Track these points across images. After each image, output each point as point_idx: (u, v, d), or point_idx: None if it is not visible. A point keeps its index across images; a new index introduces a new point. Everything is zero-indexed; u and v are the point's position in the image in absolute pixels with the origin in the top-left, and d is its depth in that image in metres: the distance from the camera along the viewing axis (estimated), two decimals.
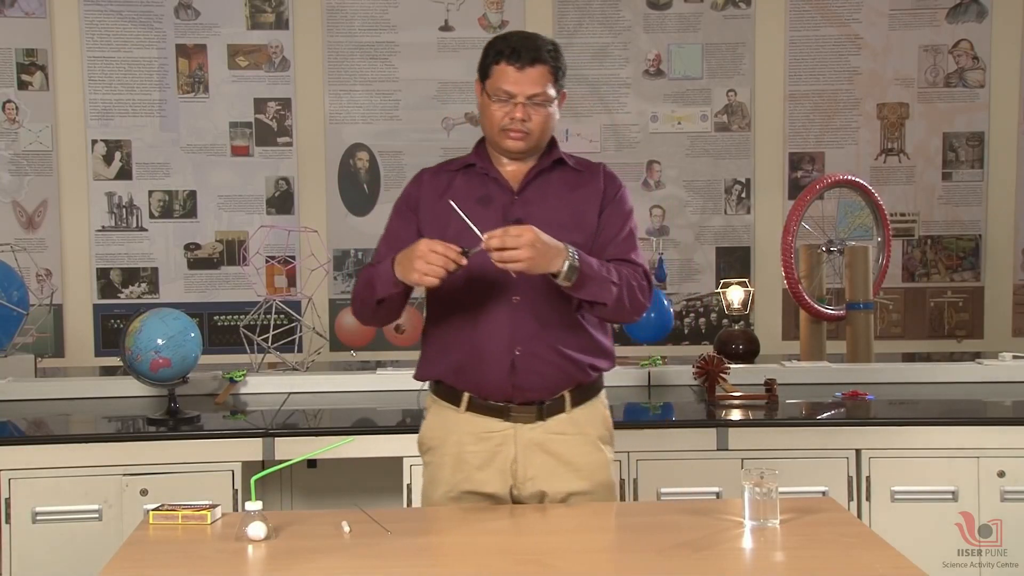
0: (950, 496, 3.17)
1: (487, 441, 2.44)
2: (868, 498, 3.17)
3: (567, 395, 2.45)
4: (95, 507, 3.10)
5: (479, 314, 2.39)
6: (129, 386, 3.63)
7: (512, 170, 2.47)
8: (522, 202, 2.43)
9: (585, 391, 2.48)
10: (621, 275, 2.37)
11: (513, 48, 2.37)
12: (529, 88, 2.37)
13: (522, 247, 2.19)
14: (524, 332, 2.39)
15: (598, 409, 2.52)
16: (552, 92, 2.41)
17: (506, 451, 2.43)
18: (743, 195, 5.26)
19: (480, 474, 2.44)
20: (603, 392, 2.55)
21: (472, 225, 2.25)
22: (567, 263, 2.25)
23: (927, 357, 4.82)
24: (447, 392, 2.48)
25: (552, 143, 2.50)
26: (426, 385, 2.58)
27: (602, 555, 2.13)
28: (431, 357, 2.50)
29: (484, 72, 2.42)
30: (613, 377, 3.82)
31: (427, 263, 2.21)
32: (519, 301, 2.39)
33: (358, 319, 2.51)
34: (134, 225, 5.12)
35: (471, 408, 2.44)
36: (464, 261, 2.23)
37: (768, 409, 3.41)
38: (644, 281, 2.43)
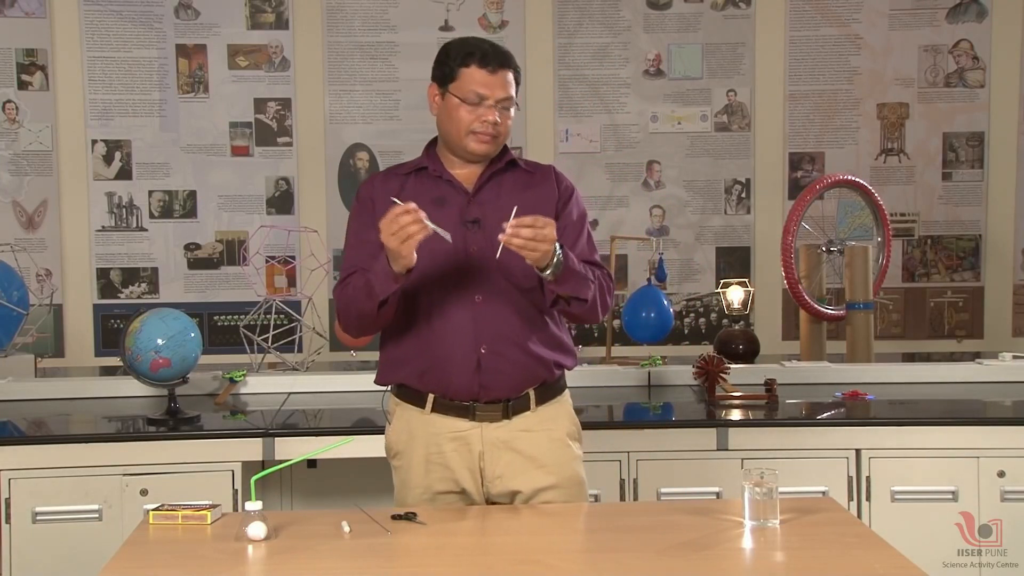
0: (950, 496, 3.17)
1: (452, 441, 2.45)
2: (868, 498, 3.17)
3: (532, 393, 2.47)
4: (95, 507, 3.10)
5: (442, 316, 2.40)
6: (129, 386, 3.64)
7: (464, 173, 2.49)
8: (478, 203, 2.45)
9: (549, 389, 2.50)
10: (594, 274, 2.43)
11: (484, 52, 2.41)
12: (500, 91, 2.41)
13: (546, 241, 2.23)
14: (488, 331, 2.41)
15: (564, 407, 2.54)
16: (515, 97, 2.45)
17: (473, 450, 2.45)
18: (743, 195, 5.26)
19: (449, 474, 2.46)
20: (567, 392, 2.57)
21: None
22: (555, 257, 2.28)
23: (927, 357, 4.82)
24: (411, 395, 2.49)
25: (503, 147, 2.53)
26: (387, 388, 2.57)
27: (602, 555, 2.13)
28: (394, 361, 2.50)
29: (448, 75, 2.43)
30: (613, 377, 3.85)
31: (392, 235, 2.21)
32: (481, 300, 2.41)
33: (352, 333, 2.52)
34: (134, 225, 5.12)
35: (436, 409, 2.45)
36: (423, 218, 2.21)
37: (768, 409, 3.41)
38: (609, 282, 2.50)
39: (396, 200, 2.28)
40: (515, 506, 2.45)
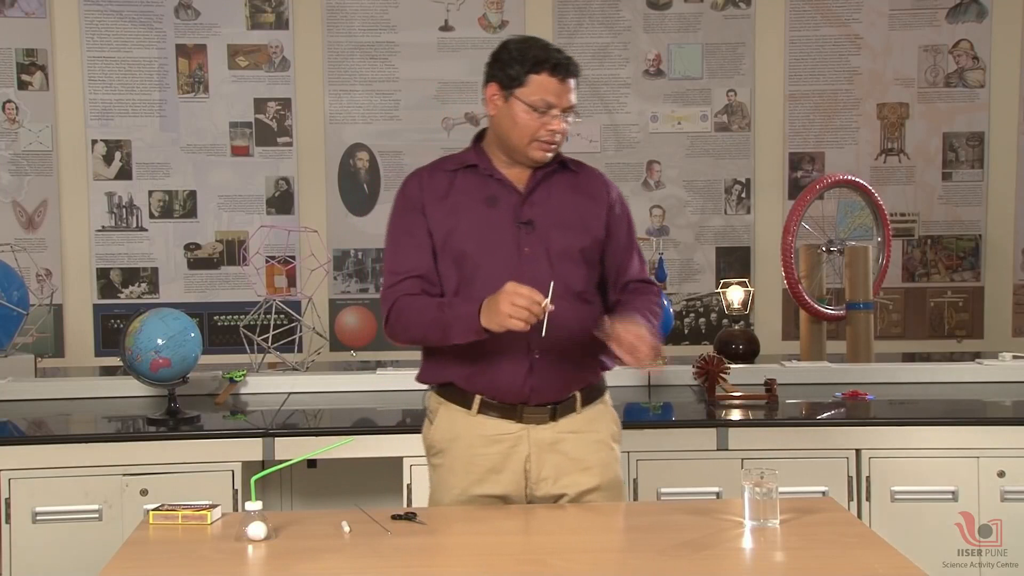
0: (950, 496, 3.17)
1: (500, 443, 2.44)
2: (868, 498, 3.17)
3: (578, 395, 2.47)
4: (95, 507, 3.10)
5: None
6: (129, 386, 3.63)
7: (514, 172, 2.47)
8: (530, 204, 2.44)
9: (593, 391, 2.51)
10: (654, 313, 2.47)
11: (557, 61, 2.38)
12: (567, 100, 2.40)
13: (656, 345, 2.31)
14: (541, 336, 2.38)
15: (607, 408, 2.54)
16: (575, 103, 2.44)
17: (520, 453, 2.43)
18: (743, 195, 5.26)
19: (493, 476, 2.44)
20: (608, 392, 2.57)
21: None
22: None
23: (927, 357, 4.82)
24: (457, 394, 2.47)
25: None
26: (427, 387, 2.56)
27: (602, 555, 2.13)
28: (441, 360, 2.47)
29: (516, 79, 2.38)
30: (613, 377, 3.82)
31: (514, 306, 2.22)
32: None
33: (398, 343, 2.51)
34: (134, 225, 5.12)
35: (483, 410, 2.44)
36: (550, 307, 2.23)
37: (768, 409, 3.41)
38: (660, 299, 2.55)
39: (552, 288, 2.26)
40: (515, 506, 2.44)
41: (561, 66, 2.38)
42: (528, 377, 2.40)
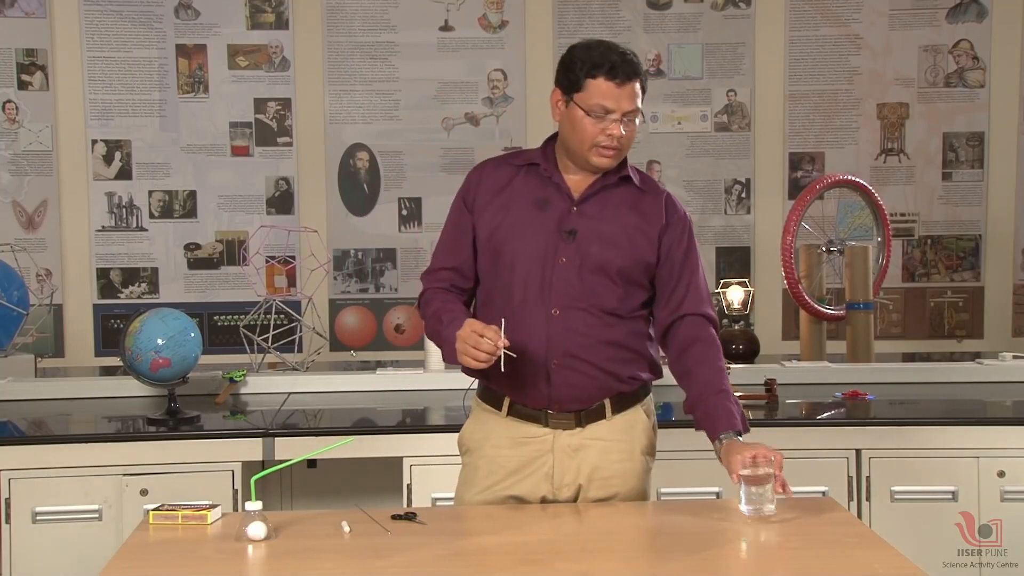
0: (950, 496, 3.17)
1: (524, 447, 2.43)
2: (868, 498, 3.17)
3: (607, 403, 2.44)
4: (95, 507, 3.10)
5: (518, 323, 2.35)
6: (129, 386, 3.64)
7: (576, 179, 2.44)
8: (579, 213, 2.41)
9: (626, 399, 2.47)
10: (723, 370, 2.45)
11: (613, 64, 2.32)
12: (627, 104, 2.34)
13: (778, 461, 2.28)
14: (560, 346, 2.37)
15: (640, 416, 2.50)
16: (641, 106, 2.39)
17: (544, 457, 2.43)
18: (743, 195, 5.26)
19: (515, 477, 2.44)
20: (649, 398, 2.53)
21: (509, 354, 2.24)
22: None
23: (927, 357, 4.82)
24: (490, 396, 2.48)
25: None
26: (474, 384, 2.56)
27: (602, 555, 2.13)
28: None
29: (574, 85, 2.35)
30: None
31: (464, 343, 2.23)
32: (558, 314, 2.37)
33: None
34: (134, 225, 5.12)
35: (512, 413, 2.44)
36: (505, 343, 2.21)
37: (768, 409, 3.41)
38: (715, 335, 2.48)
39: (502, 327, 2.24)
40: (517, 507, 2.44)
41: (618, 69, 2.32)
42: (547, 384, 2.39)
